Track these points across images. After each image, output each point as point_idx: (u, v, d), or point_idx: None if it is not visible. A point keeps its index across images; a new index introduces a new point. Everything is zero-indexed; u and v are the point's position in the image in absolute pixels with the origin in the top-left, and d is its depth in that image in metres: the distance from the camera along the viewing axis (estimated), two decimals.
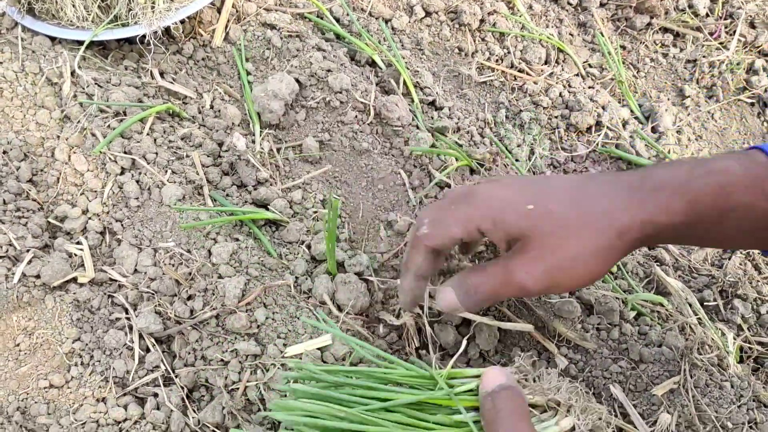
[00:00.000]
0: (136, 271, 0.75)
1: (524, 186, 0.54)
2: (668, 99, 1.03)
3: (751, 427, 0.68)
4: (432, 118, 0.94)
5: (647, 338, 0.75)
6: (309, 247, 0.80)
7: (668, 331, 0.75)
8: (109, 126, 0.83)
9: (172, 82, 0.93)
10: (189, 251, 0.75)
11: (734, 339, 0.75)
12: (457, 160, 0.85)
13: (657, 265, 0.85)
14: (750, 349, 0.77)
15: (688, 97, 1.02)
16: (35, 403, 0.68)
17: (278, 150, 0.90)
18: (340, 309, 0.73)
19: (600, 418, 0.51)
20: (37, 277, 0.74)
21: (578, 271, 0.52)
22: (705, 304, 0.80)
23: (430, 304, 0.63)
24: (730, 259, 0.85)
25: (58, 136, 0.84)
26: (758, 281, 0.84)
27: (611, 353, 0.73)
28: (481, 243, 0.74)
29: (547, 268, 0.52)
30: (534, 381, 0.54)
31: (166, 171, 0.81)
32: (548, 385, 0.52)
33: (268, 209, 0.83)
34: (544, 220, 0.51)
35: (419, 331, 0.72)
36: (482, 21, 1.05)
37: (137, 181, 0.80)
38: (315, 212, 0.84)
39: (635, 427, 0.67)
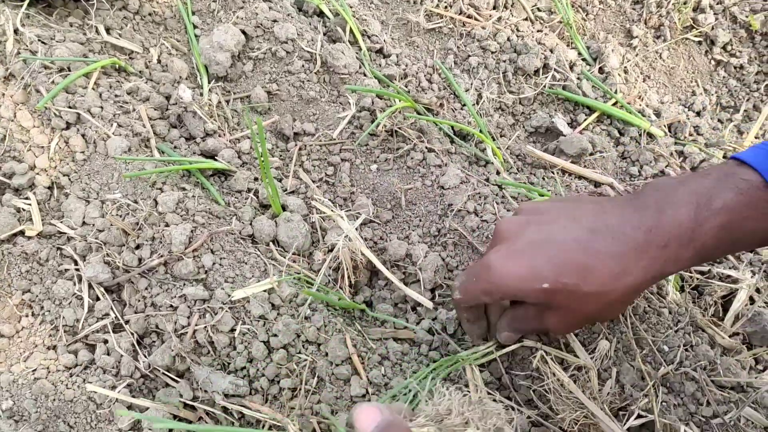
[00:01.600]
0: (84, 223, 0.76)
1: (535, 254, 0.57)
2: (616, 40, 1.03)
3: (686, 350, 0.70)
4: (380, 65, 0.94)
5: None
6: (257, 194, 0.81)
7: None
8: (53, 82, 0.83)
9: (118, 38, 0.92)
10: (136, 201, 0.76)
11: None
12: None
13: None
14: (690, 278, 0.79)
15: (636, 37, 1.03)
16: None
17: (227, 102, 0.90)
18: (285, 250, 0.74)
19: (499, 419, 0.51)
20: None
21: (598, 319, 0.65)
22: None
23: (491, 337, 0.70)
24: None
25: (3, 94, 0.84)
26: None
27: None
28: None
29: (571, 323, 0.61)
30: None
31: (112, 124, 0.81)
32: (439, 408, 0.51)
33: (216, 160, 0.83)
34: (561, 294, 0.56)
35: (355, 269, 0.73)
36: None
37: (83, 135, 0.80)
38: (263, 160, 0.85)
39: (576, 356, 0.69)
